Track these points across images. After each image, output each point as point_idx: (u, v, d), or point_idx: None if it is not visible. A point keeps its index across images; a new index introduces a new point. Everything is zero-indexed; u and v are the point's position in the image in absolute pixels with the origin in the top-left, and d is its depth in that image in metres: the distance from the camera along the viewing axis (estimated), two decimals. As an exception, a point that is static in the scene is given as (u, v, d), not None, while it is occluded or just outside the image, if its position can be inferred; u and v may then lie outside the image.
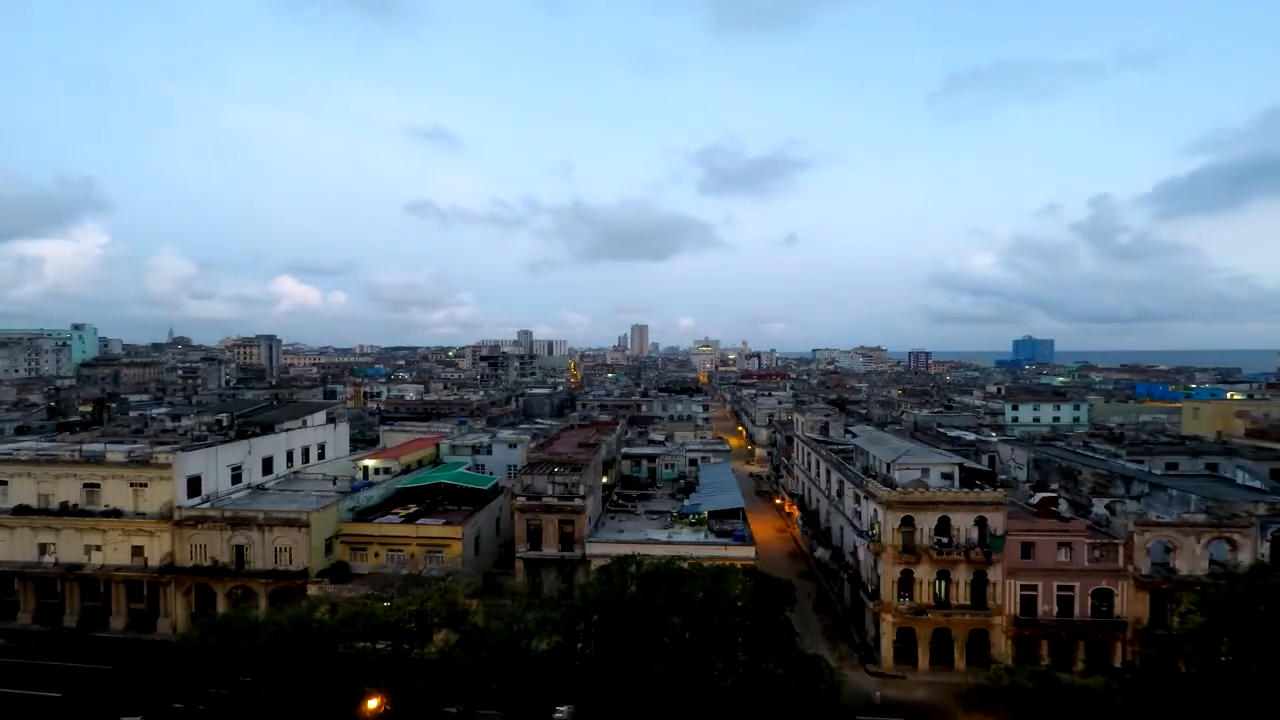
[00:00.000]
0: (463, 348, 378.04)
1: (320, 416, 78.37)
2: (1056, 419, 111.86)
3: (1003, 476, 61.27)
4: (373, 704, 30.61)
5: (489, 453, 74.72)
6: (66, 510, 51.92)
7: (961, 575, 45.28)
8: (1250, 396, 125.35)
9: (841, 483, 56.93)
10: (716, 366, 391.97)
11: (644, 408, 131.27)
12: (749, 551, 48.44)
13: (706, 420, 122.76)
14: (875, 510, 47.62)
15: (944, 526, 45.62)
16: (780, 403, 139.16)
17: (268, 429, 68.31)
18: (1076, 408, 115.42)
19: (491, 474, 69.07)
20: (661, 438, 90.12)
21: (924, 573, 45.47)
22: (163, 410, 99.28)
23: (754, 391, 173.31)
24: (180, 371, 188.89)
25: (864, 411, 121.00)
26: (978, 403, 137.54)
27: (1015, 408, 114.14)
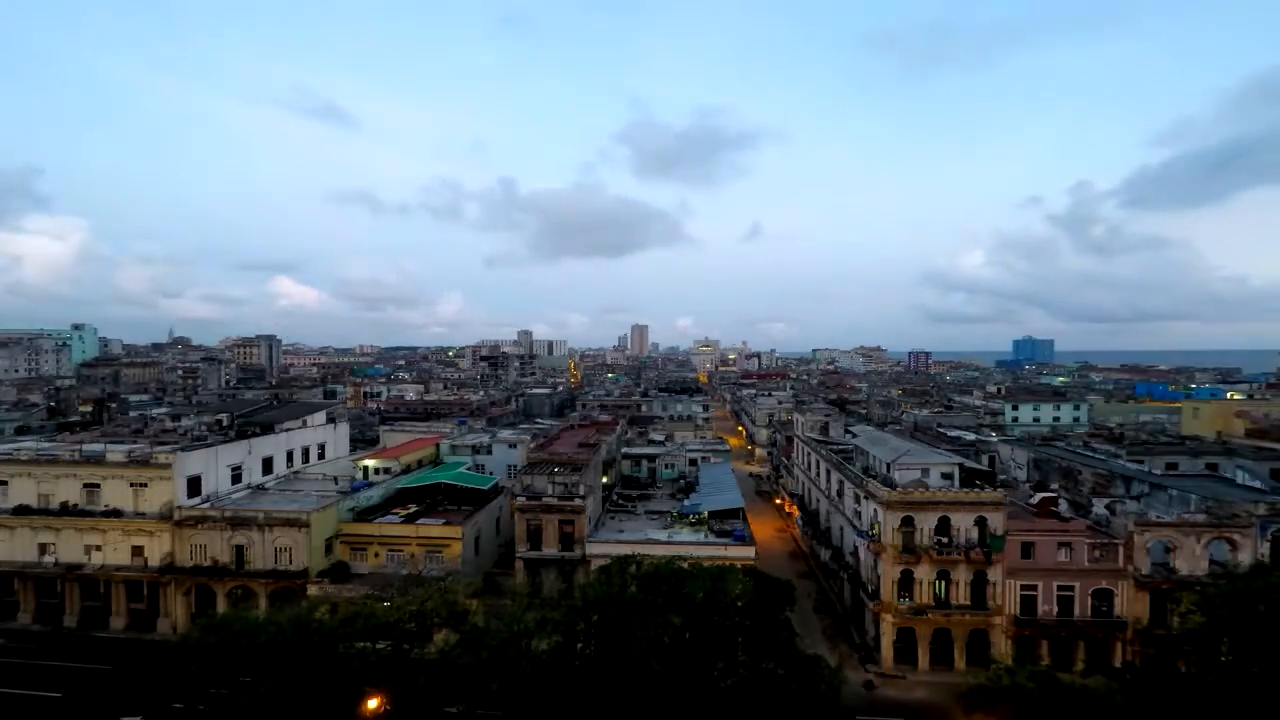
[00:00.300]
0: (463, 348, 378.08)
1: (320, 416, 78.40)
2: (1056, 419, 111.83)
3: (1003, 476, 61.26)
4: (373, 704, 30.61)
5: (489, 453, 74.72)
6: (66, 510, 51.91)
7: (961, 575, 45.28)
8: (1250, 396, 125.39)
9: (841, 483, 56.93)
10: (716, 366, 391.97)
11: (644, 408, 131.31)
12: (749, 551, 48.43)
13: (706, 420, 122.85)
14: (875, 510, 47.62)
15: (944, 526, 45.62)
16: (780, 403, 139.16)
17: (268, 429, 68.35)
18: (1076, 408, 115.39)
19: (491, 474, 69.07)
20: (661, 438, 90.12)
21: (924, 573, 45.46)
22: (163, 410, 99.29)
23: (754, 391, 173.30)
24: (180, 371, 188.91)
25: (864, 411, 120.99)
26: (978, 403, 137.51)
27: (1015, 408, 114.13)
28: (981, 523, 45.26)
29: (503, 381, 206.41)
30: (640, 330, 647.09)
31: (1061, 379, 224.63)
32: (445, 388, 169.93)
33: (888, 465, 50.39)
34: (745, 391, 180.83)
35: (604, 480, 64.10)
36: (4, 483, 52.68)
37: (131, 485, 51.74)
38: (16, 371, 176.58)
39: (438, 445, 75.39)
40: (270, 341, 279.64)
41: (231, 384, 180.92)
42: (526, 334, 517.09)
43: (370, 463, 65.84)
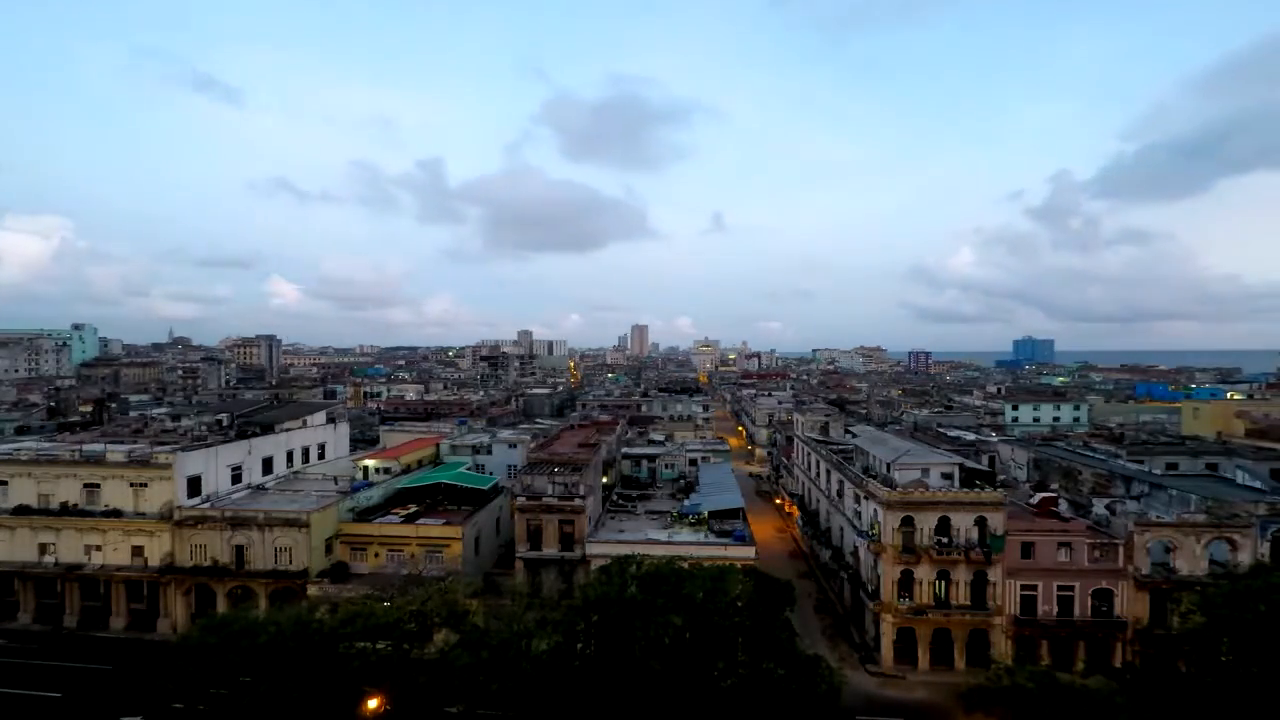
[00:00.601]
0: (463, 348, 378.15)
1: (320, 416, 78.39)
2: (1056, 419, 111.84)
3: (1003, 476, 61.27)
4: (373, 704, 30.64)
5: (489, 453, 74.69)
6: (66, 510, 51.91)
7: (961, 575, 45.27)
8: (1250, 396, 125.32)
9: (841, 483, 56.93)
10: (716, 366, 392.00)
11: (644, 408, 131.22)
12: (749, 551, 48.41)
13: (706, 420, 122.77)
14: (875, 510, 47.62)
15: (944, 526, 45.61)
16: (780, 403, 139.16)
17: (268, 429, 68.33)
18: (1076, 408, 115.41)
19: (491, 474, 69.05)
20: (661, 438, 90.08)
21: (924, 573, 45.46)
22: (163, 410, 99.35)
23: (754, 391, 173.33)
24: (180, 371, 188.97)
25: (864, 411, 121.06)
26: (978, 403, 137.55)
27: (1015, 408, 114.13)
28: (981, 523, 45.26)
29: (503, 381, 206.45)
30: (640, 330, 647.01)
31: (1061, 379, 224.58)
32: (445, 388, 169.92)
33: (888, 465, 50.39)
34: (745, 391, 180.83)
35: (604, 480, 64.09)
36: (4, 483, 52.67)
37: (131, 485, 51.74)
38: (16, 371, 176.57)
39: (438, 445, 75.38)
40: (270, 341, 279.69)
41: (231, 384, 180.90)
42: (526, 334, 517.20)
43: (370, 463, 65.83)
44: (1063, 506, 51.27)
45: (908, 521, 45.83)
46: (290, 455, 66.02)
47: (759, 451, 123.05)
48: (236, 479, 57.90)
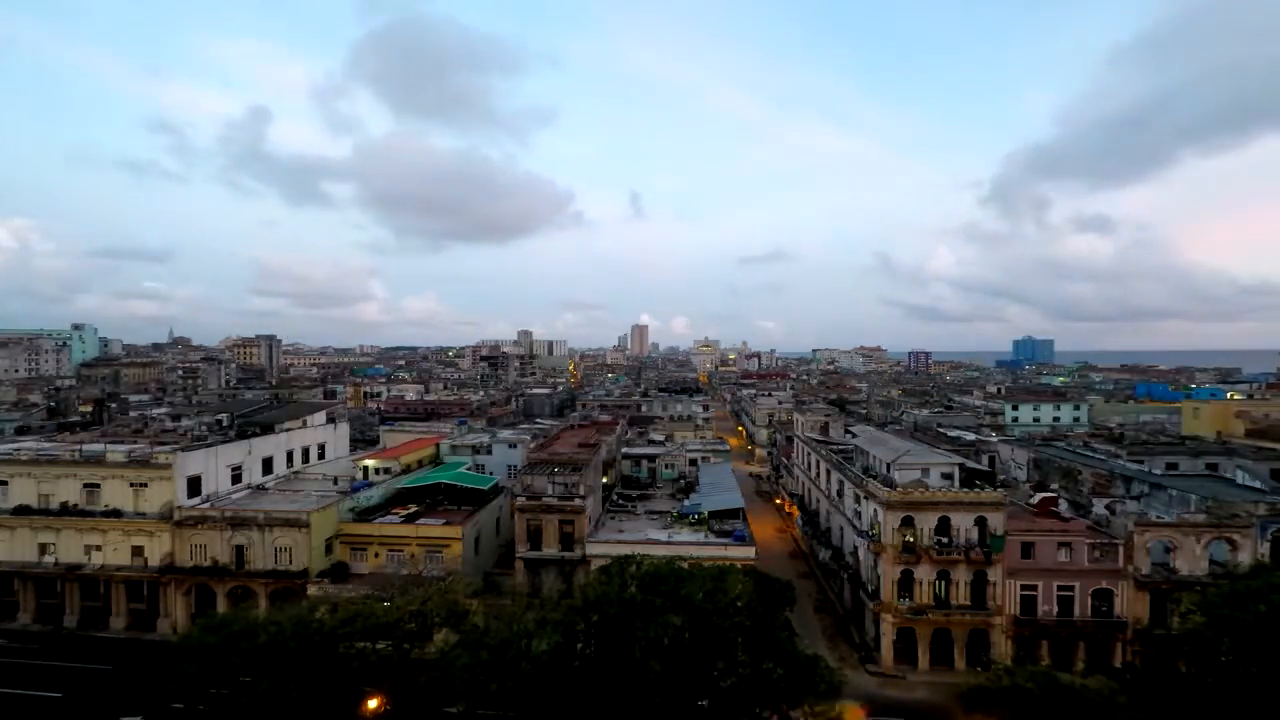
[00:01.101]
0: (463, 348, 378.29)
1: (320, 417, 78.43)
2: (1056, 419, 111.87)
3: (1003, 476, 61.30)
4: (373, 704, 30.67)
5: (489, 453, 74.69)
6: (66, 510, 51.92)
7: (961, 575, 45.28)
8: (1250, 396, 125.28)
9: (841, 483, 56.93)
10: (716, 366, 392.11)
11: (644, 408, 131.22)
12: (749, 551, 48.41)
13: (706, 420, 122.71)
14: (875, 510, 47.63)
15: (944, 526, 45.62)
16: (780, 403, 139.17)
17: (268, 429, 68.37)
18: (1076, 408, 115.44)
19: (491, 474, 69.06)
20: (661, 438, 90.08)
21: (924, 573, 45.46)
22: (163, 410, 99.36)
23: (754, 391, 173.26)
24: (180, 371, 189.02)
25: (864, 411, 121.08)
26: (978, 403, 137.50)
27: (1015, 408, 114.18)
28: (981, 523, 45.26)
29: (503, 381, 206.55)
30: (640, 330, 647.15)
31: (1061, 379, 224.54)
32: (445, 388, 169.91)
33: (888, 465, 50.39)
34: (745, 391, 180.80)
35: (604, 480, 64.08)
36: (4, 483, 52.68)
37: (131, 485, 51.74)
38: (16, 371, 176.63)
39: (438, 445, 75.39)
40: (270, 341, 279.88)
41: (231, 384, 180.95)
42: (526, 334, 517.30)
43: (370, 463, 65.83)
44: (1063, 506, 51.29)
45: (908, 521, 45.83)
46: (290, 455, 66.04)
47: (759, 451, 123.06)
48: (236, 479, 57.91)
